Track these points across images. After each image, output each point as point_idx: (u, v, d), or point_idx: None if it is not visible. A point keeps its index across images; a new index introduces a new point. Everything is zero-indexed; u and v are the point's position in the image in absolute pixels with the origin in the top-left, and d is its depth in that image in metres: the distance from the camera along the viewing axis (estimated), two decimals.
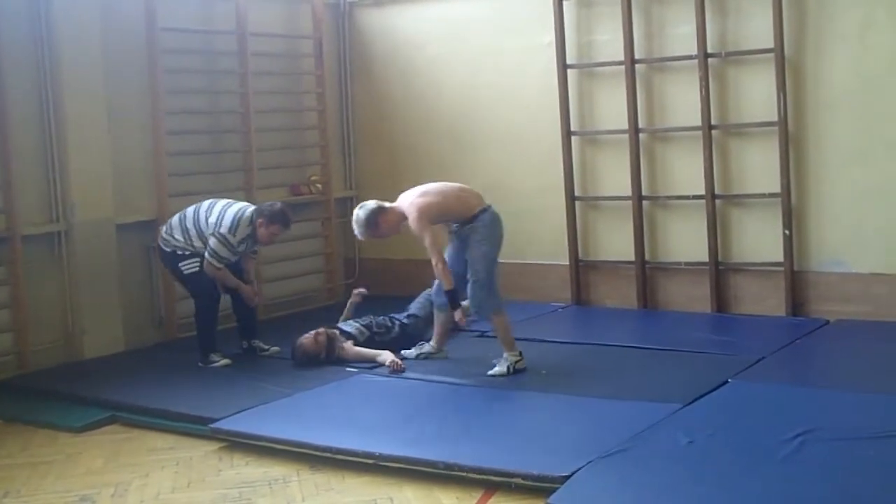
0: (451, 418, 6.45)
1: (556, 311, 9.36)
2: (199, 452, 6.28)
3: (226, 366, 7.82)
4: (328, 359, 7.72)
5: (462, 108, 10.02)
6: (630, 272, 9.27)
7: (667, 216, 9.20)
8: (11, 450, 6.51)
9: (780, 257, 8.65)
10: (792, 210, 8.60)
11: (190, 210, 7.88)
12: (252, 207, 7.89)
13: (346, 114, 10.72)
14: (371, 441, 5.88)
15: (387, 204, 7.45)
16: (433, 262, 7.17)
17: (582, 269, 9.55)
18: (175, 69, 8.96)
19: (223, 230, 7.67)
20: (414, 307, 8.35)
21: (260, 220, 7.75)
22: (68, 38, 8.15)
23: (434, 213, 7.27)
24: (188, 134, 9.14)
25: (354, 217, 7.47)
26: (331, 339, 7.80)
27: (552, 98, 9.40)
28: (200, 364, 7.87)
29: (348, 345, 7.81)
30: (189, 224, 7.79)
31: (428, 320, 8.04)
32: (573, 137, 9.42)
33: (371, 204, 7.45)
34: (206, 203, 7.90)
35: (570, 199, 9.44)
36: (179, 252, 7.82)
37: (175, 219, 7.93)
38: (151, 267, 8.84)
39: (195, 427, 6.55)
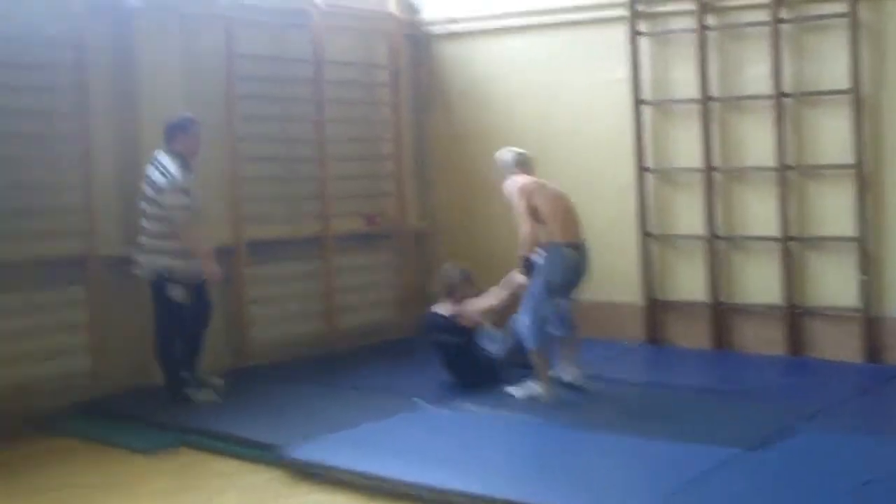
0: (516, 454, 6.48)
1: (627, 350, 9.28)
2: (264, 478, 6.34)
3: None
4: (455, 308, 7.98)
5: (536, 142, 9.93)
6: (703, 312, 9.19)
7: (741, 256, 9.11)
8: (84, 468, 6.67)
9: (856, 302, 8.52)
10: (869, 254, 8.48)
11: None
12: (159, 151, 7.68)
13: (422, 145, 10.77)
14: (435, 475, 5.89)
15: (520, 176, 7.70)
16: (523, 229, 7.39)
17: (655, 308, 9.49)
18: (251, 95, 9.08)
19: (169, 182, 7.51)
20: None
21: (177, 138, 7.66)
22: (149, 65, 8.34)
23: (531, 200, 7.44)
24: (263, 161, 9.25)
25: (501, 154, 7.95)
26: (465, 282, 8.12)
27: (626, 134, 9.39)
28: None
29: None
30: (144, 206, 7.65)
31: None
32: (647, 174, 9.39)
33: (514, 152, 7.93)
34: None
35: (644, 236, 9.40)
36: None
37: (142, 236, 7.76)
38: (227, 291, 8.88)
39: (260, 453, 6.61)
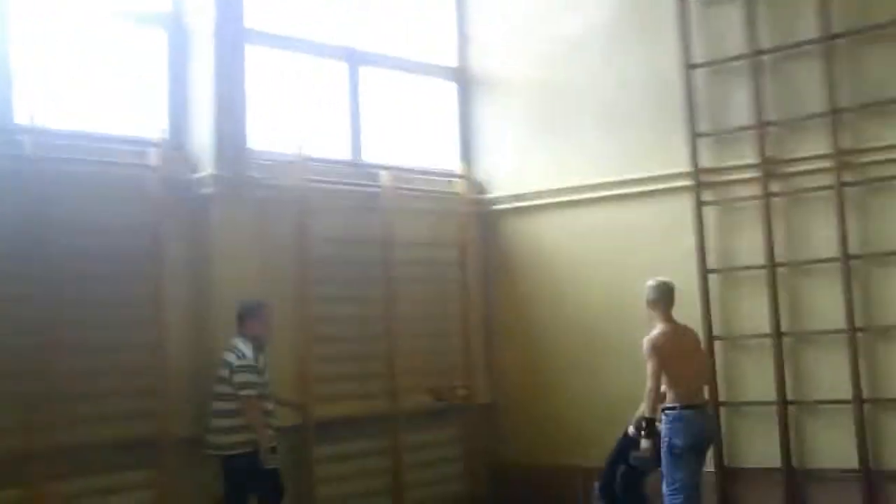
0: None
1: None
2: None
3: None
4: None
5: (604, 312, 10.04)
6: (778, 479, 9.00)
7: (813, 420, 8.96)
8: None
9: None
10: None
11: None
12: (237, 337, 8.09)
13: (489, 320, 10.85)
14: None
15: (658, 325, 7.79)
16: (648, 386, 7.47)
17: (727, 475, 9.30)
18: (323, 278, 9.25)
19: (241, 361, 7.92)
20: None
21: (246, 324, 8.08)
22: (223, 249, 8.55)
23: (661, 359, 7.46)
24: (335, 341, 9.37)
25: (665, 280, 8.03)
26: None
27: (695, 303, 9.38)
28: None
29: None
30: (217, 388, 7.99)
31: None
32: (716, 342, 9.34)
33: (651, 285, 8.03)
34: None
35: (716, 405, 9.28)
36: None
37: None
38: (301, 477, 8.90)
39: None
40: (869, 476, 8.60)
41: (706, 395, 7.68)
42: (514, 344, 10.75)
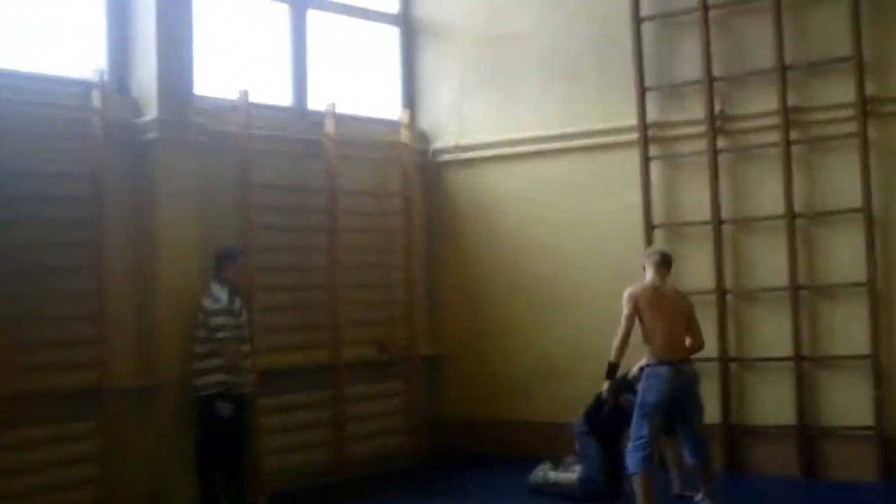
0: None
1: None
2: None
3: None
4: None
5: (547, 267, 10.04)
6: (714, 434, 9.03)
7: (754, 377, 9.08)
8: None
9: (870, 420, 8.45)
10: (882, 372, 8.42)
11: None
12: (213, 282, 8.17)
13: (433, 271, 10.80)
14: None
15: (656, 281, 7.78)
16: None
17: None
18: (265, 224, 9.11)
19: (215, 305, 8.01)
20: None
21: (223, 268, 8.18)
22: (166, 196, 8.35)
23: (635, 307, 7.55)
24: (277, 290, 9.24)
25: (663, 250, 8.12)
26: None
27: (638, 258, 9.38)
28: None
29: None
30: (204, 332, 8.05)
31: None
32: None
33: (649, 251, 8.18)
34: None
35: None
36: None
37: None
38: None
39: None
40: (806, 431, 8.74)
41: (683, 352, 7.63)
42: (457, 297, 10.71)
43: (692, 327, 7.72)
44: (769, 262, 8.93)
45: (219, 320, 8.00)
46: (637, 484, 7.41)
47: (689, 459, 7.71)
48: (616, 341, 7.52)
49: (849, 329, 8.59)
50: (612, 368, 7.64)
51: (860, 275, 8.46)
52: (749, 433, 9.07)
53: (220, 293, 8.08)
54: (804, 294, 8.77)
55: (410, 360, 10.31)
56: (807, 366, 8.77)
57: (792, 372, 8.76)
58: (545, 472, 8.62)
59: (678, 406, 7.51)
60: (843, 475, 8.57)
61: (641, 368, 7.65)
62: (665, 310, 7.57)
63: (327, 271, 9.60)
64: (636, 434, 7.44)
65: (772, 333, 8.93)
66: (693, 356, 7.74)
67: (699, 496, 7.73)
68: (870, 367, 8.45)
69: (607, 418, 8.19)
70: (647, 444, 7.39)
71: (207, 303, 8.06)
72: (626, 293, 7.65)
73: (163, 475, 8.24)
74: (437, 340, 10.74)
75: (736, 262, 9.14)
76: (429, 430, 10.44)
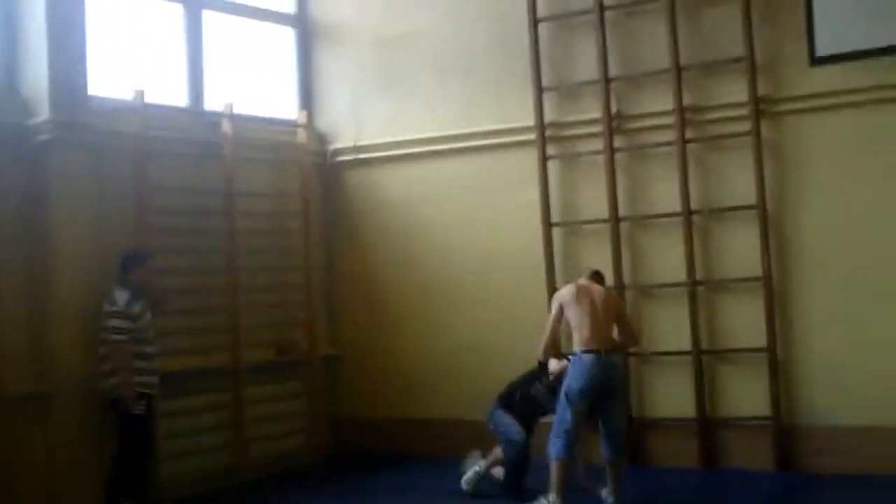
0: None
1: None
2: None
3: None
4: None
5: (446, 267, 10.07)
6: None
7: (654, 371, 9.20)
8: None
9: (767, 411, 8.63)
10: (778, 364, 8.61)
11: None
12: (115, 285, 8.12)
13: (331, 272, 10.75)
14: None
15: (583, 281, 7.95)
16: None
17: None
18: (162, 226, 8.95)
19: (111, 308, 7.97)
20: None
21: (128, 271, 8.12)
22: (59, 197, 8.16)
23: (560, 305, 7.73)
24: (174, 292, 9.07)
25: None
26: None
27: (537, 256, 9.48)
28: None
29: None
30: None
31: None
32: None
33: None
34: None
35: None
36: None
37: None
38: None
39: None
40: (705, 423, 8.89)
41: (605, 343, 7.70)
42: (357, 297, 10.66)
43: (623, 323, 7.86)
44: (667, 259, 9.06)
45: (113, 322, 7.94)
46: (554, 469, 7.50)
47: (604, 454, 7.73)
48: (542, 340, 7.71)
49: (746, 323, 8.75)
50: (542, 367, 7.97)
51: (756, 270, 8.64)
52: (649, 426, 9.19)
53: (120, 296, 8.02)
54: (702, 289, 8.93)
55: (310, 361, 10.24)
56: (705, 359, 8.93)
57: (691, 366, 8.90)
58: (476, 461, 8.58)
59: (601, 395, 7.59)
60: (742, 464, 8.74)
61: (567, 358, 7.77)
62: (592, 305, 7.68)
63: (226, 273, 9.48)
64: (559, 419, 7.54)
65: (671, 328, 9.05)
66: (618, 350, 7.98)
67: (605, 492, 7.79)
68: (766, 359, 8.63)
69: (517, 404, 8.29)
70: (569, 430, 7.48)
71: (105, 305, 8.01)
72: (557, 293, 7.93)
73: (58, 484, 8.02)
74: (336, 341, 10.69)
75: (634, 259, 9.26)
76: (330, 430, 10.40)
